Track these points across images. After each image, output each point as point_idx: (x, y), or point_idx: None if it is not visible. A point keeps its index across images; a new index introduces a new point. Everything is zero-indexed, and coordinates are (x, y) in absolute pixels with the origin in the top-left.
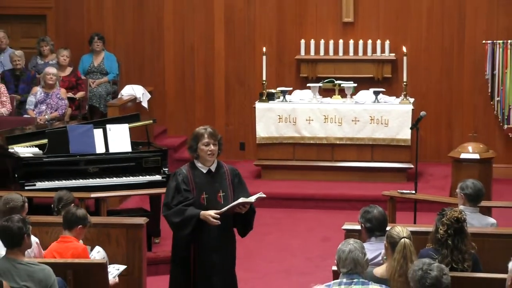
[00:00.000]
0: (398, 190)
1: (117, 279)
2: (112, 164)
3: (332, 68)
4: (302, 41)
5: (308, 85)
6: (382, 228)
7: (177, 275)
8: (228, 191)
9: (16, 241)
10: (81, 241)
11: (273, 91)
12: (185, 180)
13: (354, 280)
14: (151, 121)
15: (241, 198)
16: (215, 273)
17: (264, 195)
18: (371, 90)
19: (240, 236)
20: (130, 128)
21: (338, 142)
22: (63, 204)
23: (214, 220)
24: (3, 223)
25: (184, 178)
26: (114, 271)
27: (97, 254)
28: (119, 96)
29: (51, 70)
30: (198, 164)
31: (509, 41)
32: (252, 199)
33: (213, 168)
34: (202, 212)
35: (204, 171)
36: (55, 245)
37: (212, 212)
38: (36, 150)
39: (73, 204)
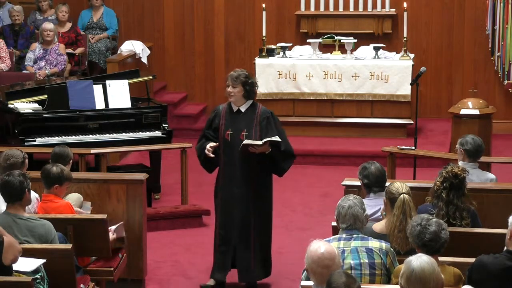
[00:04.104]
0: (398, 146)
1: (115, 235)
2: (111, 120)
3: (332, 23)
4: None
5: (308, 40)
6: (379, 184)
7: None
8: (252, 131)
9: (17, 195)
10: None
11: (273, 47)
12: (217, 116)
13: (354, 236)
14: (151, 77)
15: (246, 140)
16: (236, 205)
17: (277, 139)
18: (371, 45)
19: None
20: (129, 84)
21: (338, 98)
22: (62, 160)
23: (208, 152)
24: (5, 177)
25: (217, 114)
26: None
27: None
28: (118, 52)
29: (48, 26)
30: (231, 104)
31: None
32: (259, 142)
33: (243, 108)
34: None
35: (234, 110)
36: (40, 205)
37: (208, 145)
38: (36, 105)
39: (49, 161)
